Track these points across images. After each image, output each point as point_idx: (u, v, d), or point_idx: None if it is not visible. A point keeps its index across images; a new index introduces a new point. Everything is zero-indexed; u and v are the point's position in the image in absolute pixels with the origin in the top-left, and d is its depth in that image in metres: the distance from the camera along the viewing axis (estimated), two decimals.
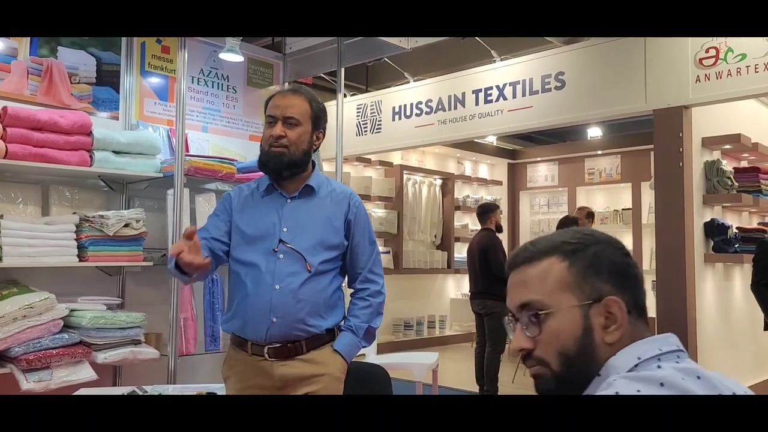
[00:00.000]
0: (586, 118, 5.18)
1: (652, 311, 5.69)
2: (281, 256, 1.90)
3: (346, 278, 2.10)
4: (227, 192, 2.16)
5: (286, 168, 1.94)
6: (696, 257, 4.17)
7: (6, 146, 2.59)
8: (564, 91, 4.78)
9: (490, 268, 4.96)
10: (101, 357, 2.72)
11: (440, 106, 5.63)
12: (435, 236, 8.17)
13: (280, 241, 1.91)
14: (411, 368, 3.87)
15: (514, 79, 5.10)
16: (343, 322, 2.01)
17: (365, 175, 7.38)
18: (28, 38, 2.92)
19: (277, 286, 1.88)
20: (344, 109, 3.64)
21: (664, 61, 4.22)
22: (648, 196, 6.99)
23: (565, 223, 5.24)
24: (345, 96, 4.33)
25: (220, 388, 2.19)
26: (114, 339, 2.78)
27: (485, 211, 5.32)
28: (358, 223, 2.02)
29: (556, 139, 8.59)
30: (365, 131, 6.29)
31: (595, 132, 7.99)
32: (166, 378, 2.83)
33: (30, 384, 2.47)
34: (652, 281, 4.47)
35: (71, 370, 2.61)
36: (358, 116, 6.31)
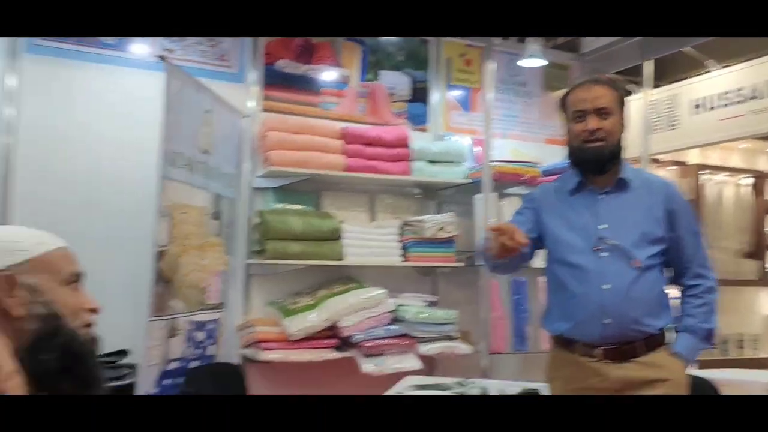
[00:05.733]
0: None
1: None
2: (605, 254, 1.83)
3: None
4: (529, 193, 2.15)
5: (609, 161, 1.87)
6: None
7: (346, 161, 3.01)
8: None
9: None
10: (423, 349, 2.97)
11: (754, 94, 4.93)
12: (743, 244, 7.16)
13: (600, 239, 1.85)
14: (746, 386, 3.46)
15: None
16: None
17: None
18: (359, 66, 3.35)
19: (606, 287, 1.81)
20: (634, 107, 3.43)
21: None
22: None
23: None
24: (637, 92, 4.05)
25: (542, 387, 2.21)
26: (432, 333, 3.02)
27: None
28: (680, 212, 1.87)
29: None
30: (657, 129, 5.82)
31: None
32: (480, 374, 2.96)
33: (369, 367, 2.81)
34: None
35: (400, 359, 2.90)
36: (648, 113, 5.86)
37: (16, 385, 0.87)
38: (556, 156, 3.66)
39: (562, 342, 1.94)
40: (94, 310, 1.12)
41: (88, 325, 1.11)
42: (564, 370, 1.94)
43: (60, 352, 1.02)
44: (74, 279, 1.11)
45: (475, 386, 2.41)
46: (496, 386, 2.45)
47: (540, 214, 1.99)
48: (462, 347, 3.03)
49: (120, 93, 2.79)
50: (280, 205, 3.10)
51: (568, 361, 1.92)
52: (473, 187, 3.26)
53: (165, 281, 2.40)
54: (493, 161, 3.18)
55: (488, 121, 3.09)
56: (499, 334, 3.09)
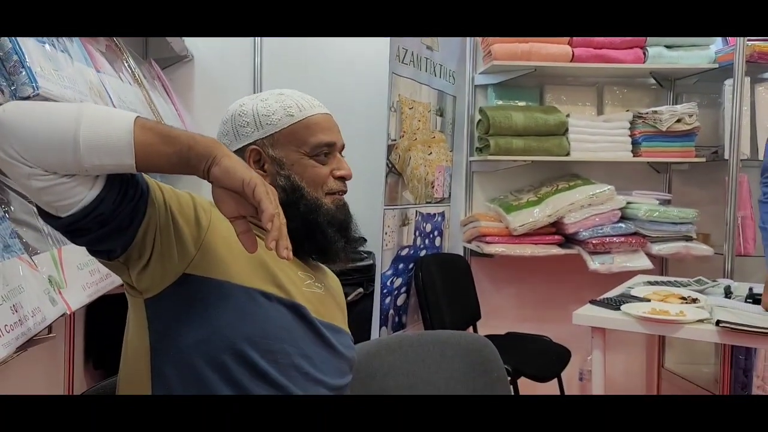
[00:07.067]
0: None
1: None
2: None
3: None
4: None
5: None
6: None
7: (573, 50, 2.84)
8: None
9: None
10: (655, 248, 2.81)
11: None
12: None
13: None
14: None
15: None
16: None
17: None
18: None
19: None
20: None
21: None
22: None
23: None
24: None
25: None
26: (666, 233, 2.83)
27: None
28: None
29: None
30: None
31: None
32: (721, 276, 2.72)
33: (596, 265, 2.75)
34: None
35: (629, 258, 2.78)
36: None
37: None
38: None
39: None
40: (342, 177, 1.12)
41: (336, 193, 1.12)
42: None
43: (300, 220, 1.07)
44: (322, 149, 1.10)
45: (718, 285, 2.23)
46: (742, 288, 2.24)
47: None
48: (701, 248, 2.80)
49: None
50: (501, 102, 3.07)
51: None
52: (720, 73, 2.88)
53: (396, 173, 2.56)
54: (752, 40, 2.76)
55: None
56: (748, 235, 2.78)
